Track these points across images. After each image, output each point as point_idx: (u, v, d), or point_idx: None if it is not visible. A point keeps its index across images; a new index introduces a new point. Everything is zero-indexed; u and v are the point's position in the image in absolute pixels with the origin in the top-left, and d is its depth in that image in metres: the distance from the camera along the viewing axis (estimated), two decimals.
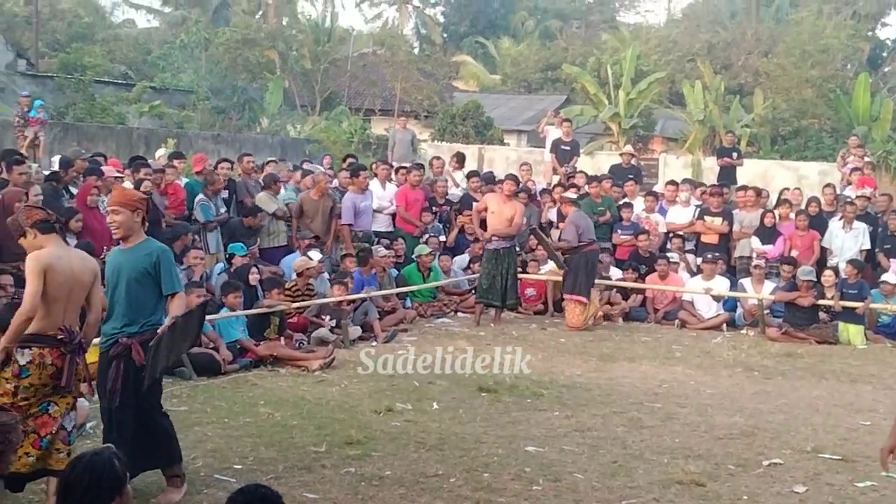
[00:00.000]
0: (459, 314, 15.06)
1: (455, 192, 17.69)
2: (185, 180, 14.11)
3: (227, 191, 14.46)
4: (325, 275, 13.47)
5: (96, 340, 6.75)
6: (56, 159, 14.60)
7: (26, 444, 5.96)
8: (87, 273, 6.26)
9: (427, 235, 15.72)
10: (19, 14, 43.86)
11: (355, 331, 12.65)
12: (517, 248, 14.95)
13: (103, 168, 13.35)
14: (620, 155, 20.47)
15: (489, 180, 17.12)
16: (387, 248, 14.91)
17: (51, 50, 41.22)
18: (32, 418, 6.05)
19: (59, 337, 6.12)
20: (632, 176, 18.73)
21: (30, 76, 31.03)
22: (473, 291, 14.93)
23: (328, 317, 12.47)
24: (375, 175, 16.33)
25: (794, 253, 15.47)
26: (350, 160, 17.78)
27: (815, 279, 14.26)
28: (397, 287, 14.47)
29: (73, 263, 6.21)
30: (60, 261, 6.14)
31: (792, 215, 16.19)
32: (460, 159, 19.12)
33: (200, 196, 13.71)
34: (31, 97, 17.80)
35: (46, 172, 13.49)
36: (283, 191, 14.87)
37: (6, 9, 43.41)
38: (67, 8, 49.56)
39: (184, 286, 10.76)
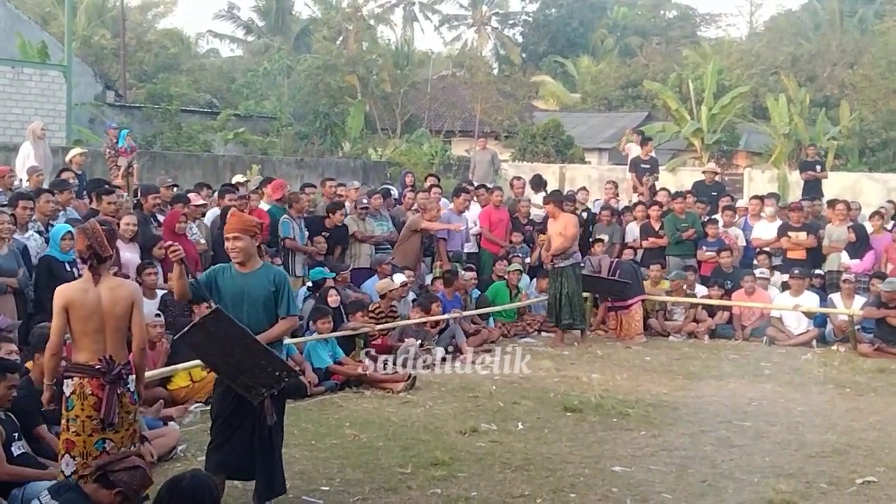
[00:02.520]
0: (543, 334, 14.99)
1: (538, 213, 17.65)
2: (267, 206, 14.29)
3: (328, 233, 14.47)
4: (410, 296, 13.52)
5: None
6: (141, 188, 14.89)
7: None
8: (119, 303, 6.24)
9: (511, 255, 15.71)
10: (107, 46, 44.98)
11: (439, 351, 12.67)
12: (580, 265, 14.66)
13: (190, 196, 13.59)
14: (703, 172, 20.27)
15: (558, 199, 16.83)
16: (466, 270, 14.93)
17: (138, 81, 42.22)
18: (92, 458, 6.07)
19: (98, 367, 6.16)
20: (715, 192, 18.54)
21: (118, 107, 31.76)
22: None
23: (412, 338, 12.50)
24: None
25: (891, 268, 15.07)
26: (431, 179, 17.84)
27: None
28: (479, 308, 14.46)
29: (101, 295, 6.20)
30: (86, 294, 6.18)
31: (888, 226, 15.82)
32: (535, 183, 19.02)
33: (285, 216, 13.89)
34: (118, 128, 18.19)
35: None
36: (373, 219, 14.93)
37: (94, 42, 44.57)
38: (154, 39, 50.70)
39: None
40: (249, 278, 6.83)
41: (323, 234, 14.18)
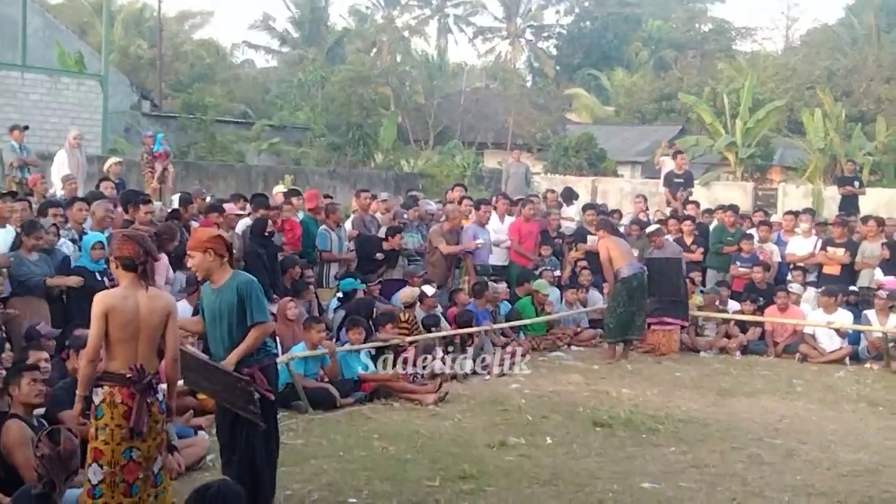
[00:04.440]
0: (573, 347, 14.94)
1: (569, 226, 17.60)
2: (300, 216, 14.34)
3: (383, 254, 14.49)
4: (439, 308, 13.50)
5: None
6: (176, 197, 15.00)
7: (117, 493, 6.06)
8: (156, 313, 6.26)
9: (541, 269, 15.67)
10: (143, 56, 45.42)
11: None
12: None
13: (225, 206, 13.66)
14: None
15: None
16: (510, 284, 14.90)
17: (174, 91, 42.58)
18: (119, 467, 6.08)
19: (129, 376, 6.16)
20: (682, 181, 19.29)
21: (153, 116, 32.05)
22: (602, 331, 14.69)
23: (441, 350, 12.49)
24: (495, 208, 16.28)
25: None
26: (458, 189, 17.83)
27: None
28: (509, 321, 14.43)
29: (140, 303, 6.21)
30: (126, 301, 6.18)
31: None
32: (566, 196, 18.96)
33: (323, 227, 13.94)
34: (153, 134, 18.37)
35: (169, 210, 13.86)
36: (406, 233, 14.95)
37: (131, 52, 45.00)
38: (190, 50, 51.13)
39: (304, 320, 11.08)
40: (220, 293, 6.93)
41: (378, 255, 14.20)
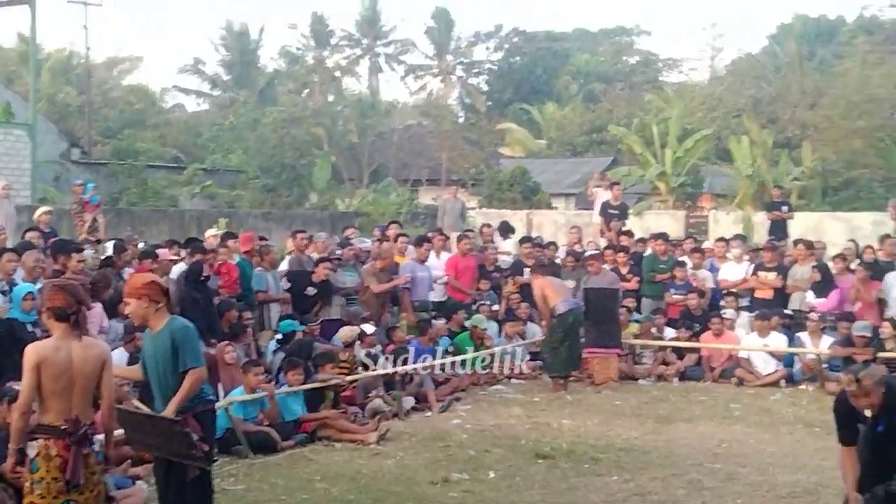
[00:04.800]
0: (513, 381, 14.96)
1: (506, 259, 17.69)
2: (236, 259, 14.25)
3: (315, 290, 14.41)
4: (379, 347, 13.47)
5: None
6: (110, 244, 14.83)
7: None
8: (90, 362, 6.19)
9: (479, 303, 15.70)
10: (72, 104, 44.96)
11: (409, 401, 12.62)
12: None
13: (158, 251, 13.54)
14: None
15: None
16: (447, 320, 14.89)
17: (104, 137, 42.21)
18: None
19: (64, 428, 6.07)
20: (618, 212, 19.54)
21: (83, 164, 31.75)
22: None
23: (381, 388, 12.45)
24: (430, 243, 16.29)
25: (858, 306, 15.15)
26: (394, 226, 17.86)
27: (872, 334, 13.98)
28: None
29: (73, 354, 6.14)
30: (58, 352, 6.11)
31: (853, 265, 15.93)
32: (503, 230, 19.11)
33: (258, 269, 13.87)
34: (83, 183, 18.18)
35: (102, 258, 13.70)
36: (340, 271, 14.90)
37: (59, 99, 44.53)
38: (119, 96, 50.74)
39: (243, 364, 11.01)
40: (156, 339, 6.89)
41: (309, 287, 14.15)
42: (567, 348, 14.11)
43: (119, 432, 6.88)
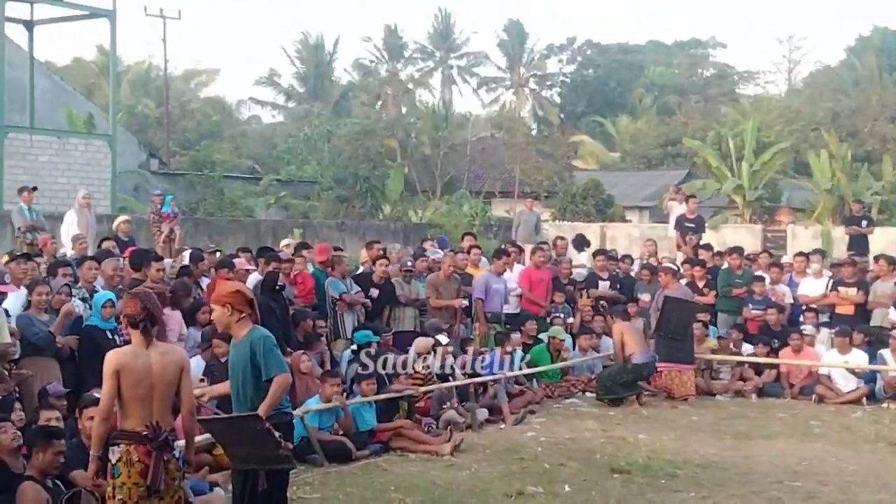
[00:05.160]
0: (588, 394, 14.84)
1: (580, 272, 17.57)
2: (311, 269, 14.33)
3: (377, 290, 14.49)
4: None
5: None
6: (187, 254, 15.03)
7: None
8: (169, 369, 6.26)
9: (552, 316, 15.61)
10: (151, 115, 45.80)
11: (482, 413, 12.57)
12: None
13: (235, 261, 13.68)
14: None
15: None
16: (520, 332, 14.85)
17: (181, 148, 42.88)
18: None
19: (145, 433, 6.13)
20: (694, 225, 19.06)
21: (162, 174, 32.23)
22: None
23: (456, 399, 12.41)
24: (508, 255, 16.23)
25: None
26: (468, 238, 17.85)
27: None
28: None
29: (151, 360, 6.21)
30: (136, 359, 6.18)
31: None
32: (578, 243, 19.01)
33: (331, 277, 13.92)
34: (161, 194, 18.47)
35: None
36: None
37: (138, 111, 45.40)
38: (196, 108, 51.54)
39: (321, 374, 11.06)
40: (237, 348, 6.95)
41: (372, 290, 14.20)
42: (624, 388, 14.03)
43: (200, 439, 6.93)
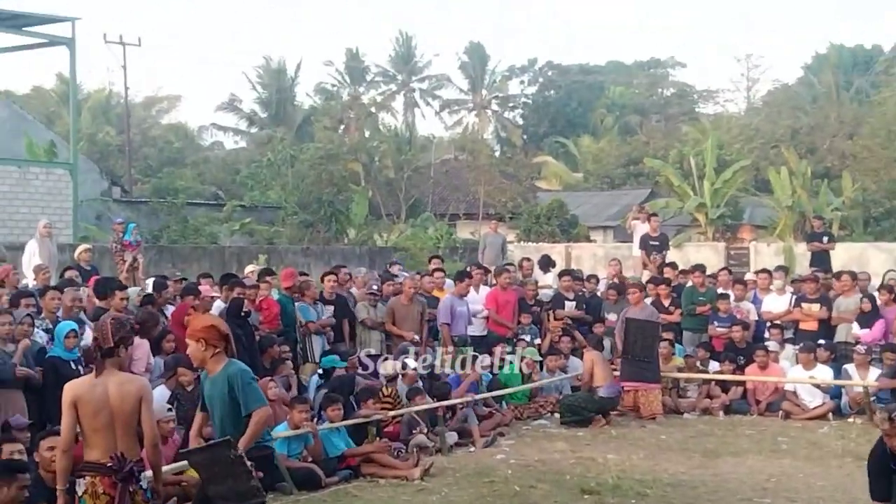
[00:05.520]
0: (556, 415, 14.84)
1: (546, 293, 17.60)
2: (276, 295, 14.27)
3: (332, 305, 14.49)
4: (420, 382, 13.39)
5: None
6: (150, 282, 14.92)
7: None
8: (127, 399, 6.18)
9: (518, 337, 15.61)
10: (112, 143, 45.54)
11: (452, 436, 12.54)
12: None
13: (200, 287, 13.59)
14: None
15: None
16: (489, 354, 14.85)
17: (143, 176, 42.69)
18: None
19: (109, 465, 6.08)
20: (658, 244, 19.19)
21: (124, 202, 32.04)
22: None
23: (422, 424, 12.36)
24: (470, 278, 16.25)
25: None
26: (435, 261, 17.85)
27: None
28: (490, 391, 14.34)
29: (109, 390, 6.15)
30: (94, 389, 6.14)
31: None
32: (544, 263, 19.07)
33: (299, 303, 13.87)
34: (124, 222, 18.34)
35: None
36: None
37: (99, 139, 45.13)
38: (158, 134, 51.33)
39: (290, 400, 10.99)
40: (214, 382, 6.91)
41: (325, 307, 14.22)
42: (585, 413, 14.04)
43: (168, 468, 6.86)
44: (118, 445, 6.12)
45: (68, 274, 14.13)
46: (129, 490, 6.11)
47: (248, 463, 6.58)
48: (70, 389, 6.16)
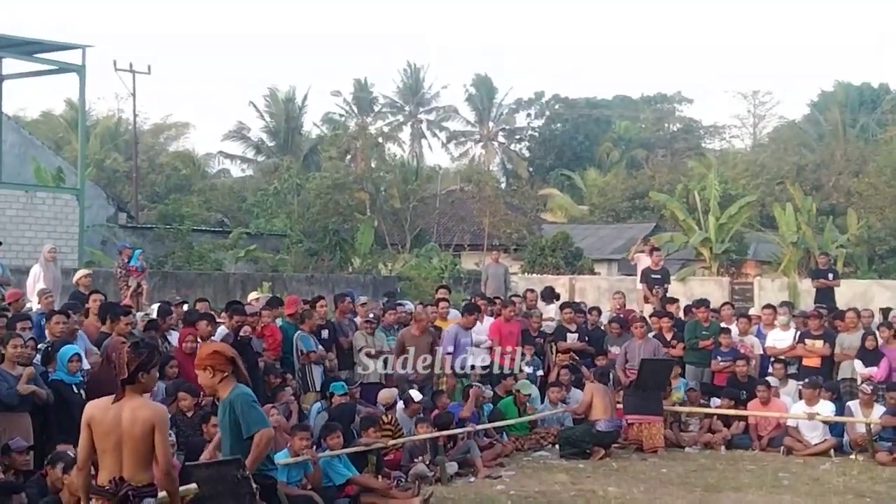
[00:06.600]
0: (557, 447, 14.80)
1: (549, 325, 17.60)
2: (279, 322, 14.30)
3: (325, 330, 14.58)
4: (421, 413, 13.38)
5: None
6: (155, 307, 14.94)
7: None
8: (138, 424, 6.16)
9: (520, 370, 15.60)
10: (119, 169, 45.73)
11: (452, 466, 12.51)
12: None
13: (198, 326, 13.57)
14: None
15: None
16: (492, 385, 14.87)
17: (150, 202, 42.79)
18: None
19: (107, 488, 6.11)
20: (659, 277, 19.29)
21: (130, 228, 32.11)
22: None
23: (422, 464, 12.31)
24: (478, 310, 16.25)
25: None
26: (442, 290, 17.87)
27: None
28: (491, 422, 14.33)
29: (122, 415, 6.16)
30: (106, 411, 6.18)
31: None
32: (547, 295, 19.08)
33: (299, 332, 13.89)
34: (130, 248, 18.39)
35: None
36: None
37: (107, 165, 45.31)
38: (165, 161, 51.51)
39: (291, 427, 11.00)
40: (222, 408, 6.97)
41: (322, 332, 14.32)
42: (584, 446, 14.02)
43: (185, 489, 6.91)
44: (123, 469, 6.14)
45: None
46: None
47: (254, 486, 6.60)
48: (87, 409, 6.28)
